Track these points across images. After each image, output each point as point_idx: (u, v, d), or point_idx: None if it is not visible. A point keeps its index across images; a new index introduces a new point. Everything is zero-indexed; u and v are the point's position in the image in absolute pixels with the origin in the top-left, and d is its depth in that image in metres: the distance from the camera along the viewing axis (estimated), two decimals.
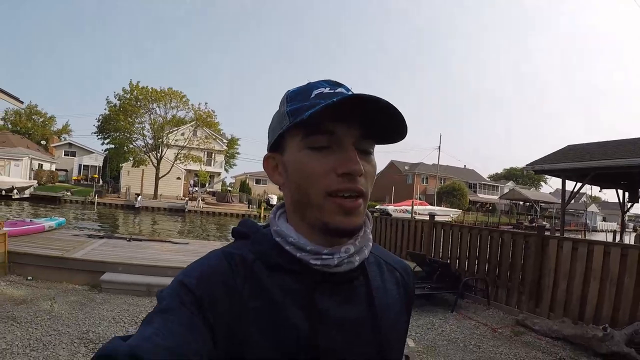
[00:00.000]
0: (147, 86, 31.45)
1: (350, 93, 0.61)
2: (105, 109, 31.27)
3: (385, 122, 0.59)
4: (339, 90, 0.62)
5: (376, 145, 0.65)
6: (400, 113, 0.58)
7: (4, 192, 24.59)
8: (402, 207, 31.35)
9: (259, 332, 0.56)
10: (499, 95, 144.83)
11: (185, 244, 9.10)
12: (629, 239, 25.68)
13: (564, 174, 11.15)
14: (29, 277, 5.78)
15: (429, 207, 34.49)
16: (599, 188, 16.93)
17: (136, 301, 5.26)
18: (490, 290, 6.49)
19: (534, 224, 39.24)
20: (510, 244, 6.42)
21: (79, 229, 11.76)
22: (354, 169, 0.58)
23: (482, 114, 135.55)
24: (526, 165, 11.36)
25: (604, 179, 12.96)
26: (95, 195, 28.24)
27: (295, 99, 0.62)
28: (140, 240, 8.87)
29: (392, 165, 53.28)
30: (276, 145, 0.65)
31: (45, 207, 23.11)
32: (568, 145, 12.94)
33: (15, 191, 25.49)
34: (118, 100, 30.89)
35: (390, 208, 30.41)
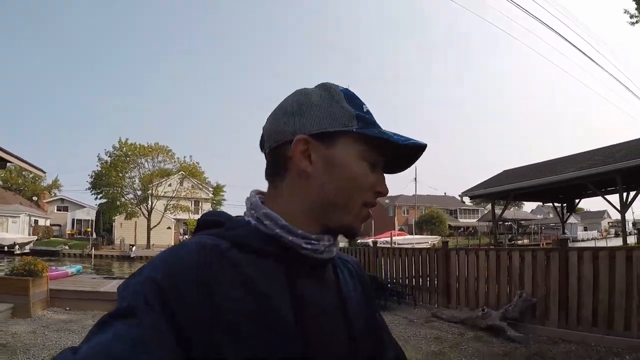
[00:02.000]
0: (135, 142, 33.76)
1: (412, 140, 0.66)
2: (97, 165, 33.23)
3: (402, 161, 0.70)
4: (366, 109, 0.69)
5: None
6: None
7: (6, 248, 26.02)
8: (382, 239, 32.87)
9: (241, 324, 0.54)
10: (479, 121, 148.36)
11: None
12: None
13: (493, 197, 13.14)
14: (67, 308, 7.64)
15: (409, 236, 36.28)
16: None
17: None
18: (417, 294, 8.47)
19: (513, 242, 41.26)
20: (427, 258, 8.42)
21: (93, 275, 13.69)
22: (386, 192, 0.68)
23: (462, 139, 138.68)
24: (462, 192, 13.44)
25: (541, 196, 14.59)
26: (92, 248, 29.63)
27: (351, 102, 0.66)
28: None
29: None
30: (321, 134, 0.63)
31: (47, 261, 24.36)
32: (504, 171, 14.64)
33: (17, 247, 26.88)
34: (109, 157, 32.95)
35: (371, 241, 31.65)
